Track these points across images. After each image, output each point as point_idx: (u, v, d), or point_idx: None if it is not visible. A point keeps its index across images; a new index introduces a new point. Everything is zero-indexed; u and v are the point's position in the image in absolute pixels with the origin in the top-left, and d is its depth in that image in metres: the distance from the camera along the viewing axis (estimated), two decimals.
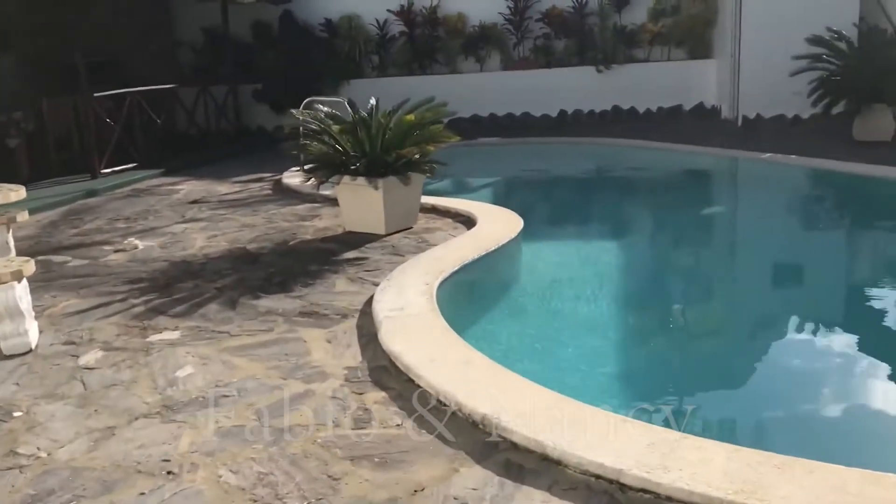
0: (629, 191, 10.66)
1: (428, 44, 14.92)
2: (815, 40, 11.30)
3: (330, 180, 6.92)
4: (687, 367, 4.79)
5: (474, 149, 13.00)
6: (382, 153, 6.71)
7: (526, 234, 6.77)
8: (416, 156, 6.88)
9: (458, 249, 6.02)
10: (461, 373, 3.75)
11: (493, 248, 6.10)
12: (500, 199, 8.71)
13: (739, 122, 13.24)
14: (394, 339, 4.20)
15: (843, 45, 11.32)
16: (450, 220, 7.38)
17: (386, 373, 3.97)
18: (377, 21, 14.90)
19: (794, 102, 12.56)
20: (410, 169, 6.85)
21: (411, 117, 6.79)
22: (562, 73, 14.76)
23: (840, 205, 9.48)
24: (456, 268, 5.52)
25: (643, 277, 6.75)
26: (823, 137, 11.65)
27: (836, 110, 11.47)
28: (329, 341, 4.46)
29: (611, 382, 4.47)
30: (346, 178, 6.81)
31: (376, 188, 6.62)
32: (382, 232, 6.86)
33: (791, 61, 11.41)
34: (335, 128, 6.77)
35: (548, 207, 9.95)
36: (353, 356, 4.23)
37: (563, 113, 14.96)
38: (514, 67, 14.96)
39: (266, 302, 5.22)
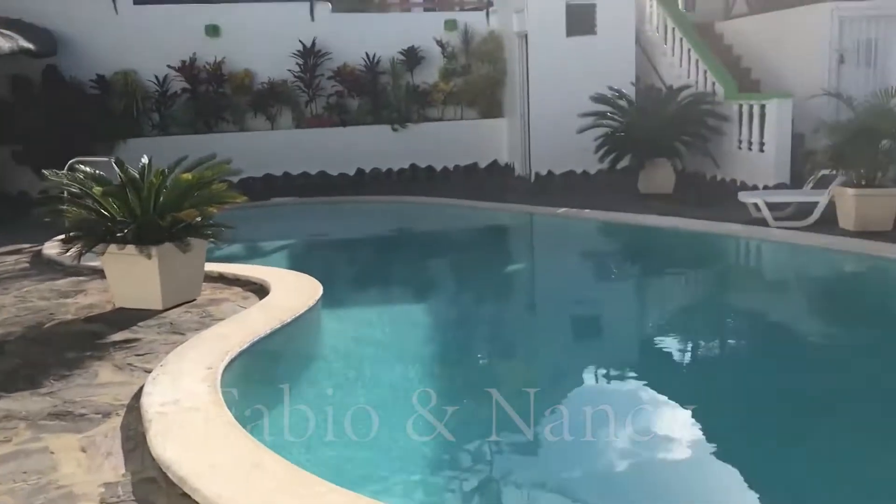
0: (433, 249, 10.38)
1: (213, 101, 14.08)
2: (599, 98, 11.74)
3: (93, 250, 5.98)
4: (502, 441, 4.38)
5: (268, 210, 12.29)
6: (156, 217, 5.89)
7: (327, 302, 6.18)
8: (198, 219, 6.13)
9: (247, 324, 5.31)
10: (248, 481, 3.07)
11: (288, 320, 5.46)
12: (298, 264, 8.08)
13: (532, 179, 13.48)
14: (165, 442, 3.44)
15: (624, 103, 11.84)
16: (239, 290, 6.63)
17: (155, 487, 3.21)
18: (157, 77, 13.89)
19: (583, 159, 12.96)
20: (190, 234, 6.08)
21: (189, 176, 6.04)
22: (357, 132, 14.43)
23: (630, 253, 9.70)
24: (244, 346, 4.82)
25: (450, 339, 6.34)
26: (612, 191, 12.07)
27: (621, 165, 11.92)
28: (84, 450, 3.61)
29: (421, 471, 3.95)
30: (113, 247, 5.90)
31: (149, 257, 5.78)
32: (159, 307, 6.00)
33: (578, 119, 11.78)
34: (97, 190, 5.87)
35: (350, 270, 9.42)
36: (114, 468, 3.42)
37: (360, 171, 14.59)
38: (308, 125, 14.45)
39: (6, 403, 4.24)
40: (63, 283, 7.25)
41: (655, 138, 11.37)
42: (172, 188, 6.02)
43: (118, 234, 5.87)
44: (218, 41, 14.18)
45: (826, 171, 8.82)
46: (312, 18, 14.54)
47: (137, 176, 6.03)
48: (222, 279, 6.90)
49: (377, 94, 14.50)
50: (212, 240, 6.23)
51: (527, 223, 11.20)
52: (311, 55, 14.23)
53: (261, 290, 6.46)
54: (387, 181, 14.53)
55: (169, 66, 13.87)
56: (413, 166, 14.71)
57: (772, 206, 8.88)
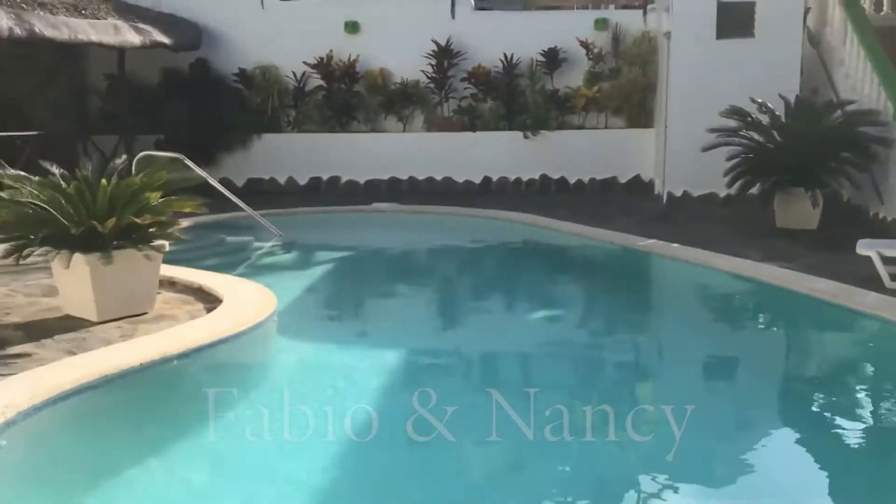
0: (453, 275, 9.20)
1: (345, 99, 13.84)
2: (732, 111, 9.96)
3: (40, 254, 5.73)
4: None
5: (365, 216, 11.88)
6: (94, 222, 5.50)
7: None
8: (152, 229, 5.71)
9: (118, 353, 4.77)
10: None
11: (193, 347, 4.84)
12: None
13: (665, 200, 11.88)
14: None
15: (765, 118, 9.94)
16: (202, 306, 6.14)
17: None
18: (294, 73, 13.90)
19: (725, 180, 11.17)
20: (140, 241, 5.67)
21: (137, 180, 5.63)
22: (488, 137, 13.56)
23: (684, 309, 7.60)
24: (77, 385, 4.25)
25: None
26: (744, 222, 10.24)
27: (752, 191, 10.03)
28: None
29: None
30: (55, 253, 5.60)
31: (66, 266, 5.42)
32: (94, 318, 5.64)
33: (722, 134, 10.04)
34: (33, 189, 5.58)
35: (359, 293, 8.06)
36: None
37: (487, 180, 13.72)
38: (437, 129, 13.82)
39: None
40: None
41: (793, 163, 9.44)
42: (119, 191, 5.63)
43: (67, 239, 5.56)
44: (356, 38, 13.94)
45: None
46: (453, 16, 13.88)
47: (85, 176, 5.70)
48: (197, 290, 6.48)
49: (512, 97, 13.53)
50: (150, 251, 5.74)
51: (597, 257, 9.53)
52: (445, 55, 13.58)
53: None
54: (514, 192, 13.54)
55: (305, 63, 13.81)
56: (544, 177, 13.59)
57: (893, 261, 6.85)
